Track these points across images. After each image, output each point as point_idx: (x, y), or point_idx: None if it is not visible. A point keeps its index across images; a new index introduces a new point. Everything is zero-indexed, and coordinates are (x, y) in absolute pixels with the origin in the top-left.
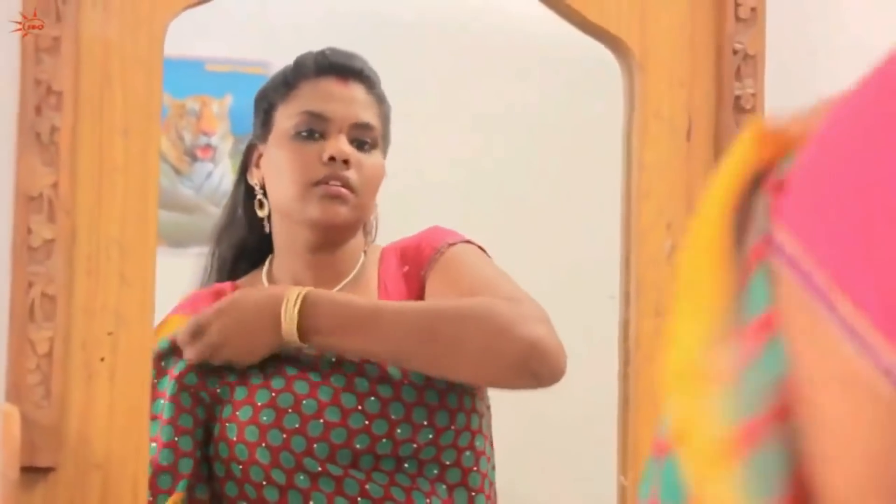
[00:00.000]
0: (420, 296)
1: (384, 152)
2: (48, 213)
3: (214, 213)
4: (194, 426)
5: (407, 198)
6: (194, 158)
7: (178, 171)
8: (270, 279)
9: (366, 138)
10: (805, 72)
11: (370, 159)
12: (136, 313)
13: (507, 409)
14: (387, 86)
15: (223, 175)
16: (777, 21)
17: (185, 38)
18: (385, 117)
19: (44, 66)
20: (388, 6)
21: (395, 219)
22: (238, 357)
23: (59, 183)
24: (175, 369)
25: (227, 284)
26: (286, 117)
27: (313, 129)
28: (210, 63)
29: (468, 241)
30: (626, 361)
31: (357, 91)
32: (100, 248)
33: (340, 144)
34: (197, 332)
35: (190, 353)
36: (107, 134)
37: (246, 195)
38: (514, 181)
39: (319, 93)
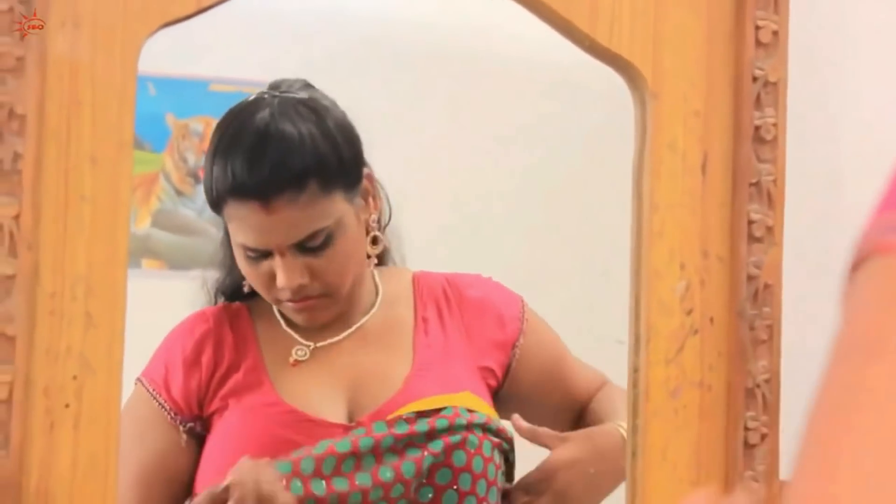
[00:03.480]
0: (493, 371)
1: (356, 184)
2: (9, 246)
3: (216, 235)
4: None
5: (417, 227)
6: (197, 180)
7: (179, 193)
8: (280, 311)
9: (316, 244)
10: (831, 100)
11: (331, 253)
12: (104, 357)
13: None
14: (396, 103)
15: None
16: (800, 46)
17: (189, 57)
18: (339, 178)
19: (6, 88)
20: (398, 29)
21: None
22: None
23: (21, 214)
24: None
25: (238, 304)
26: (229, 226)
27: (258, 252)
28: (214, 83)
29: (527, 306)
30: (634, 412)
31: (286, 212)
32: (65, 286)
33: (288, 271)
34: None
35: None
36: (74, 162)
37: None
38: (521, 217)
39: (246, 224)
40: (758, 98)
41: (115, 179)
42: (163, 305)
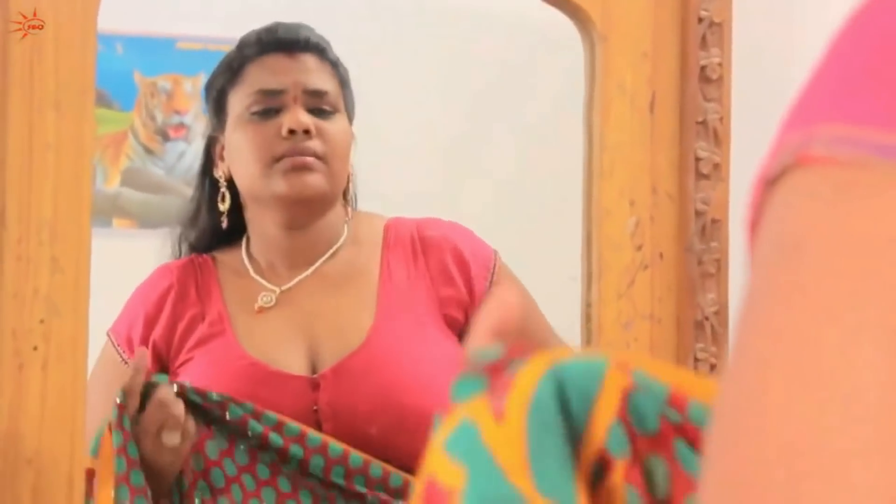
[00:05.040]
0: (456, 320)
1: (349, 117)
2: None
3: (187, 193)
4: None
5: (365, 171)
6: (166, 138)
7: (149, 151)
8: (249, 256)
9: (324, 105)
10: (775, 40)
11: (333, 125)
12: (70, 300)
13: None
14: (345, 55)
15: (197, 155)
16: None
17: (156, 16)
18: (343, 81)
19: None
20: None
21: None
22: None
23: None
24: None
25: (205, 257)
26: (239, 101)
27: (268, 107)
28: (181, 41)
29: (499, 263)
30: (588, 345)
31: (307, 61)
32: (30, 232)
33: (298, 115)
34: None
35: None
36: (38, 110)
37: (211, 190)
38: (473, 158)
39: (267, 69)
40: (703, 39)
41: (78, 125)
42: (134, 264)
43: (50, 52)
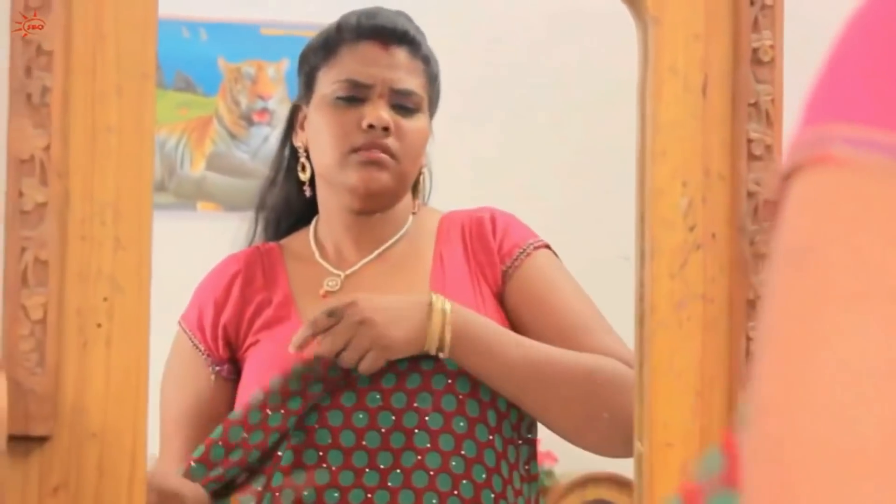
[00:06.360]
0: (492, 288)
1: (431, 114)
2: (40, 176)
3: None
4: None
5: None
6: (250, 122)
7: (233, 136)
8: (316, 240)
9: (407, 104)
10: (826, 22)
11: (413, 124)
12: (133, 278)
13: None
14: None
15: None
16: None
17: (240, 2)
18: (431, 78)
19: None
20: None
21: None
22: (389, 337)
23: (51, 145)
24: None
25: (271, 245)
26: (327, 82)
27: (353, 96)
28: (265, 27)
29: (547, 246)
30: (641, 324)
31: (399, 56)
32: (93, 212)
33: (380, 111)
34: (333, 315)
35: (328, 343)
36: (99, 94)
37: (291, 157)
38: (529, 140)
39: (360, 58)
40: (755, 21)
41: (139, 109)
42: (218, 247)
43: (111, 38)
